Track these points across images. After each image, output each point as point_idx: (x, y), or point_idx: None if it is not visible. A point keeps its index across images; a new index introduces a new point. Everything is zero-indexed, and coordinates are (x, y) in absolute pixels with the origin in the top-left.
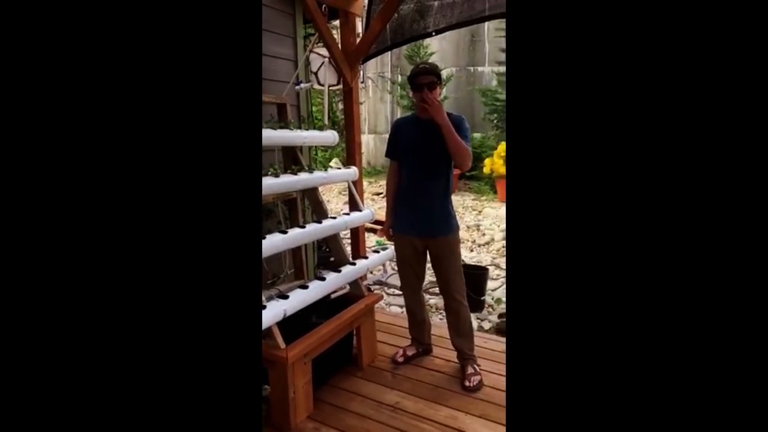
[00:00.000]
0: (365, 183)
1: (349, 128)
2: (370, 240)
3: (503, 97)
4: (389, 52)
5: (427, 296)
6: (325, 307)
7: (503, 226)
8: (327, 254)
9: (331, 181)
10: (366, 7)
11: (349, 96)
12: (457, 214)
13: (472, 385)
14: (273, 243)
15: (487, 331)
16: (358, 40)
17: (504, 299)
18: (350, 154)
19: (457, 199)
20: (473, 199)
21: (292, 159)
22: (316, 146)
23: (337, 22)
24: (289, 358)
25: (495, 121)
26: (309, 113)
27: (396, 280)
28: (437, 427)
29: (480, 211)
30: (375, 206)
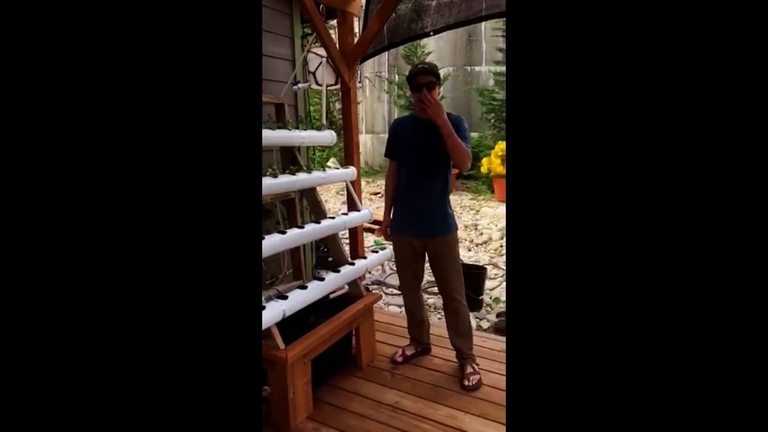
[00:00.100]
0: (363, 183)
1: (347, 128)
2: (368, 240)
3: (500, 96)
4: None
5: (425, 296)
6: (324, 308)
7: (501, 225)
8: (325, 254)
9: (330, 181)
10: (364, 7)
11: (347, 96)
12: (455, 213)
13: (471, 384)
14: (272, 243)
15: (485, 331)
16: (355, 39)
17: (502, 298)
18: (348, 154)
19: (454, 199)
20: (471, 199)
21: (290, 159)
22: (314, 146)
23: (334, 22)
24: (288, 359)
25: (492, 121)
26: (307, 113)
27: (394, 280)
28: (437, 426)
29: (477, 211)
30: (373, 206)
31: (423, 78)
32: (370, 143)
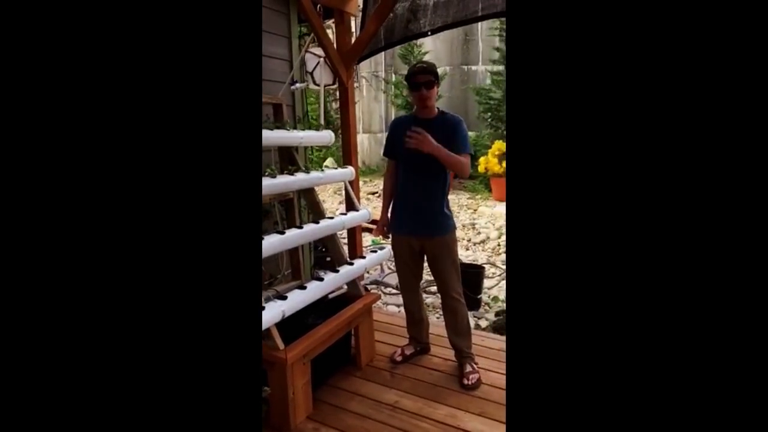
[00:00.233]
0: (360, 182)
1: (345, 128)
2: (366, 240)
3: (497, 95)
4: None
5: (424, 295)
6: (323, 308)
7: (498, 224)
8: (324, 254)
9: (328, 182)
10: (361, 7)
11: (345, 96)
12: (453, 213)
13: (470, 383)
14: (271, 244)
15: (484, 330)
16: (353, 39)
17: (500, 297)
18: (346, 154)
19: (452, 198)
20: (468, 198)
21: (288, 159)
22: (311, 146)
23: (331, 22)
24: (288, 359)
25: (489, 120)
26: (305, 113)
27: (392, 280)
28: (436, 425)
29: (475, 210)
30: (370, 206)
31: (422, 77)
32: (368, 143)
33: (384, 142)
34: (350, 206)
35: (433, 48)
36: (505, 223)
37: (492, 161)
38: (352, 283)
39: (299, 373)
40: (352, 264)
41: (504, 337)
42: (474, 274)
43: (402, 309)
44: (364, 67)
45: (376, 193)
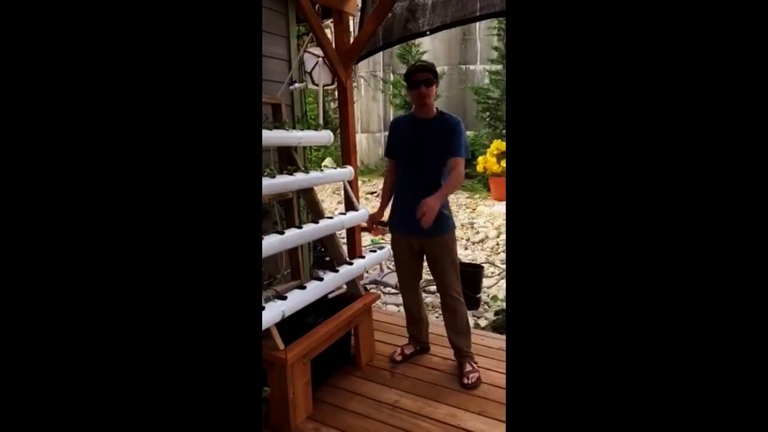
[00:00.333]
0: (359, 182)
1: (344, 128)
2: (365, 239)
3: (495, 95)
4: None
5: (423, 294)
6: (322, 307)
7: (497, 223)
8: (322, 254)
9: (328, 181)
10: (360, 7)
11: (343, 95)
12: (452, 212)
13: (470, 382)
14: (271, 244)
15: (483, 329)
16: (351, 39)
17: (499, 296)
18: (345, 154)
19: (451, 198)
20: (467, 197)
21: (287, 159)
22: (310, 146)
23: (329, 21)
24: (288, 359)
25: (487, 119)
26: (303, 113)
27: (391, 279)
28: (436, 424)
29: (474, 209)
30: (369, 205)
31: (421, 74)
32: (366, 143)
33: (383, 143)
34: (349, 206)
35: (431, 47)
36: (503, 222)
37: (490, 160)
38: (352, 283)
39: (299, 373)
40: (351, 264)
41: (503, 336)
42: (473, 273)
43: (401, 308)
44: (362, 67)
45: (375, 192)
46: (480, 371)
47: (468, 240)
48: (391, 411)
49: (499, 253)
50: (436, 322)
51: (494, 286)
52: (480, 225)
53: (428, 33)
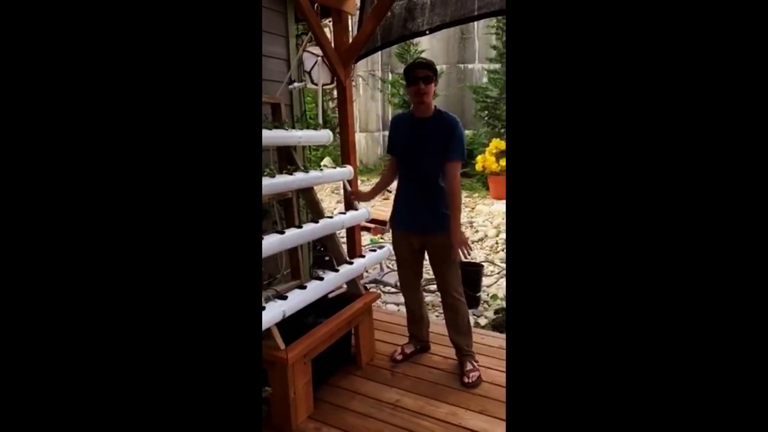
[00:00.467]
0: (358, 181)
1: (343, 127)
2: (365, 239)
3: (494, 93)
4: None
5: (424, 293)
6: (322, 307)
7: (496, 222)
8: (322, 254)
9: (327, 181)
10: (359, 6)
11: (343, 95)
12: None
13: (470, 381)
14: (270, 244)
15: (483, 327)
16: (350, 38)
17: (499, 295)
18: (345, 153)
19: None
20: (466, 197)
21: (286, 159)
22: (309, 145)
23: (328, 20)
24: (289, 359)
25: (486, 118)
26: (302, 113)
27: (391, 279)
28: (437, 423)
29: (473, 208)
30: (368, 204)
31: (420, 71)
32: (365, 142)
33: (382, 142)
34: (349, 205)
35: (429, 46)
36: (502, 221)
37: (489, 159)
38: (352, 283)
39: (300, 373)
40: (351, 263)
41: (503, 335)
42: (473, 272)
43: (401, 308)
44: (361, 66)
45: None
46: (481, 370)
47: (467, 239)
48: (392, 410)
49: (498, 251)
50: (436, 321)
51: (494, 285)
52: (479, 224)
53: (427, 32)
